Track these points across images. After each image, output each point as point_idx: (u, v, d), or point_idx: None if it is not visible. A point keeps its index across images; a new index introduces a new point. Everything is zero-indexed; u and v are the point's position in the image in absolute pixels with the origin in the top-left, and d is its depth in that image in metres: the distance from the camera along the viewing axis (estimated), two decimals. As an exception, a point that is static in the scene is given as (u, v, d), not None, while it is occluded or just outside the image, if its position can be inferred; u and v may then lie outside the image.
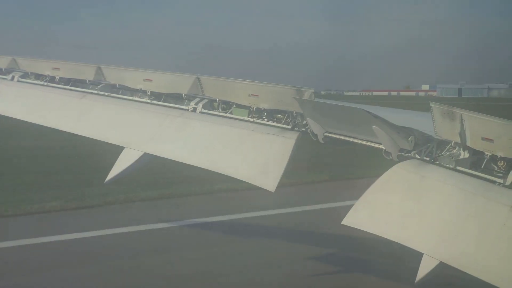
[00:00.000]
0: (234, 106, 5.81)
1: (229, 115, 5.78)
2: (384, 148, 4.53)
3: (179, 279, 8.98)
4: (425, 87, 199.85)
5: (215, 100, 5.98)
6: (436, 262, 3.76)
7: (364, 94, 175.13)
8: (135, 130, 6.17)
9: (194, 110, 5.99)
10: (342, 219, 4.25)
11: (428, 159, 4.37)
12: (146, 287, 8.77)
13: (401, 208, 4.14)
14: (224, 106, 5.91)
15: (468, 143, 4.14)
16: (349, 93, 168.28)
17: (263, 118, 5.54)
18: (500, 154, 4.00)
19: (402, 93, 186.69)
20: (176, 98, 6.28)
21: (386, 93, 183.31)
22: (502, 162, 4.04)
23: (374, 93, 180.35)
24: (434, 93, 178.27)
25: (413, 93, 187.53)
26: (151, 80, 6.44)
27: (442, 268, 3.77)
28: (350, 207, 4.29)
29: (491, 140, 3.99)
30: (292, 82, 5.47)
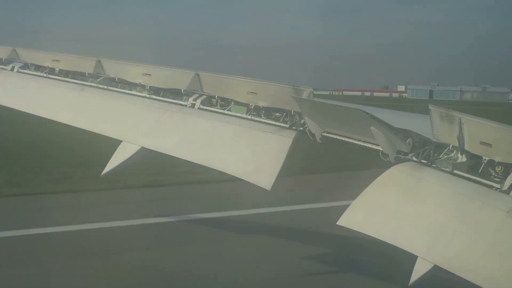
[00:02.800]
0: (232, 103, 5.80)
1: (228, 112, 5.76)
2: (381, 149, 4.51)
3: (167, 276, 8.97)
4: (401, 88, 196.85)
5: (214, 97, 5.96)
6: (431, 265, 3.74)
7: (333, 93, 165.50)
8: (133, 124, 6.15)
9: (193, 106, 5.97)
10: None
11: (425, 162, 4.35)
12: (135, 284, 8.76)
13: (396, 210, 4.12)
14: (223, 103, 5.89)
15: (466, 147, 4.12)
16: (319, 92, 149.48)
17: (261, 116, 5.52)
18: (498, 159, 3.98)
19: (376, 94, 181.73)
20: (174, 93, 6.26)
21: (359, 93, 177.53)
22: (500, 167, 4.01)
23: (345, 92, 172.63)
24: (406, 94, 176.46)
25: (387, 94, 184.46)
26: (150, 74, 6.44)
27: (437, 271, 3.75)
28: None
29: (489, 145, 3.97)
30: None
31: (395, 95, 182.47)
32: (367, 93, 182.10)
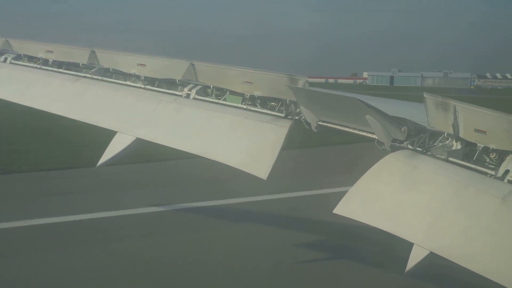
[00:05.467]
0: (227, 93, 5.79)
1: (223, 102, 5.76)
2: (377, 138, 4.53)
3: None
4: (366, 74, 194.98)
5: (209, 87, 5.96)
6: (426, 252, 3.77)
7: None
8: (128, 115, 6.14)
9: (188, 96, 5.97)
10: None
11: (420, 149, 4.37)
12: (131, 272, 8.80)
13: (392, 198, 4.15)
14: (218, 92, 5.89)
15: (461, 135, 4.15)
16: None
17: (257, 106, 5.52)
18: (492, 146, 4.00)
19: (340, 81, 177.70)
20: (169, 83, 6.25)
21: (323, 80, 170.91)
22: (494, 154, 4.04)
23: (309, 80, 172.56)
24: (366, 81, 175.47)
25: (351, 81, 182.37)
26: (145, 65, 6.42)
27: (432, 258, 3.78)
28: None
29: (483, 132, 3.99)
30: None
31: (359, 81, 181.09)
32: (331, 80, 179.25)
